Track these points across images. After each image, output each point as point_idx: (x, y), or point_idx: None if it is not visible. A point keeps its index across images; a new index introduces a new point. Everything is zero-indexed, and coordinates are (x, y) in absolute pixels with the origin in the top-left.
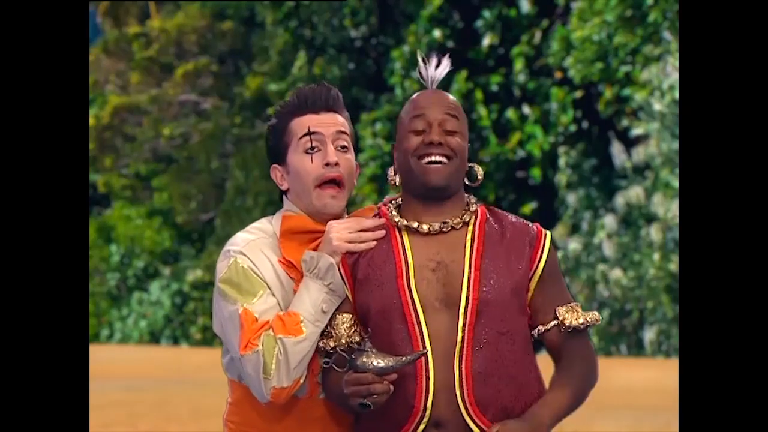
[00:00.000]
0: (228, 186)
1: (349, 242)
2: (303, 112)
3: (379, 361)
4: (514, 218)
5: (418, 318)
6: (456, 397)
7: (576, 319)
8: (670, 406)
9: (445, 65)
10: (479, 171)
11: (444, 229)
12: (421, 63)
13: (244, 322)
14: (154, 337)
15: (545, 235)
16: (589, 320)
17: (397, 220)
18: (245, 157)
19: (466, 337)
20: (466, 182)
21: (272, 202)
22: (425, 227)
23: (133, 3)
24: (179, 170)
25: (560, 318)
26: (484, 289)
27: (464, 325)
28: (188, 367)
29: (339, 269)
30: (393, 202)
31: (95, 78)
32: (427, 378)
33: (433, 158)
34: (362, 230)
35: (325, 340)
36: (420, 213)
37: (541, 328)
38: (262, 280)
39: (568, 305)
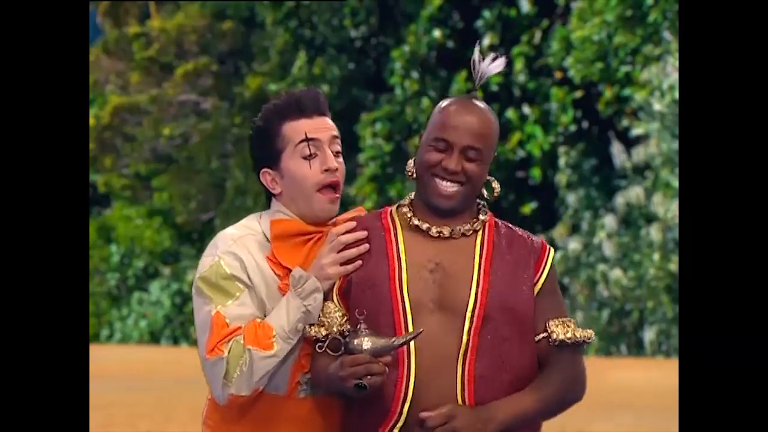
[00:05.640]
0: (228, 186)
1: (342, 264)
2: (296, 116)
3: (375, 342)
4: (520, 231)
5: (406, 320)
6: (456, 400)
7: (564, 333)
8: (670, 406)
9: (500, 64)
10: (496, 188)
11: (455, 236)
12: (475, 57)
13: (215, 325)
14: (154, 337)
15: (549, 250)
16: (579, 336)
17: (409, 216)
18: (245, 157)
19: (471, 342)
20: (484, 195)
21: (266, 198)
22: (434, 230)
23: (133, 3)
24: (179, 170)
25: (549, 330)
26: (492, 294)
27: (470, 328)
28: (188, 367)
29: (332, 295)
30: (408, 198)
31: (95, 78)
32: (407, 384)
33: (446, 183)
34: (346, 246)
35: (316, 328)
36: (430, 216)
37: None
38: (243, 283)
39: (560, 319)
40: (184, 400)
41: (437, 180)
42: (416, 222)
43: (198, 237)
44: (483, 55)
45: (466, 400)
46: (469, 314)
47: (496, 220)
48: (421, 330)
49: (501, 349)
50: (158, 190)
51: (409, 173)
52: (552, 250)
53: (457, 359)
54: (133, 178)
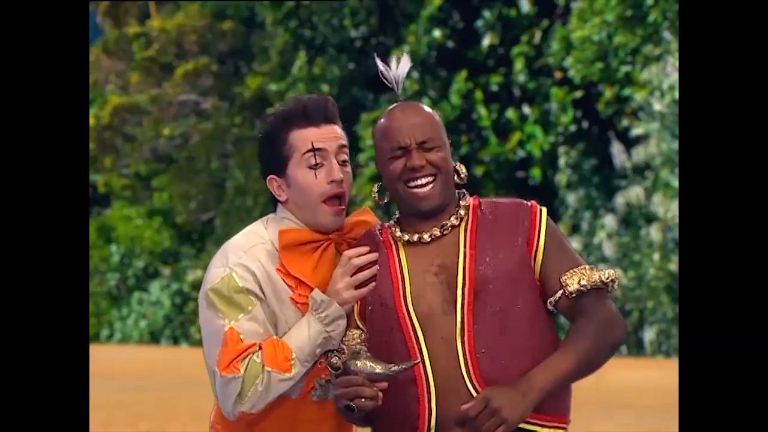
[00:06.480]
0: (228, 186)
1: (357, 287)
2: (303, 124)
3: (372, 367)
4: (506, 200)
5: (416, 334)
6: (464, 381)
7: (578, 282)
8: (670, 406)
9: (406, 62)
10: (462, 170)
11: (445, 232)
12: (381, 66)
13: (229, 341)
14: (154, 337)
15: (540, 210)
16: (594, 279)
17: (398, 234)
18: (245, 157)
19: (466, 317)
20: (457, 182)
21: (272, 202)
22: (426, 237)
23: (133, 3)
24: (179, 170)
25: (563, 284)
26: (480, 267)
27: (463, 305)
28: (188, 367)
29: (354, 320)
30: (394, 218)
31: (95, 78)
32: (429, 399)
33: (419, 182)
34: (359, 268)
35: (339, 356)
36: (418, 225)
37: (552, 300)
38: (255, 296)
39: (572, 270)
40: (184, 400)
41: (410, 184)
42: (406, 237)
43: (198, 237)
44: (386, 63)
45: (473, 378)
46: (459, 292)
47: (481, 200)
48: (417, 361)
49: (498, 321)
50: (158, 190)
51: (378, 199)
52: (543, 209)
53: (455, 339)
54: (133, 178)
